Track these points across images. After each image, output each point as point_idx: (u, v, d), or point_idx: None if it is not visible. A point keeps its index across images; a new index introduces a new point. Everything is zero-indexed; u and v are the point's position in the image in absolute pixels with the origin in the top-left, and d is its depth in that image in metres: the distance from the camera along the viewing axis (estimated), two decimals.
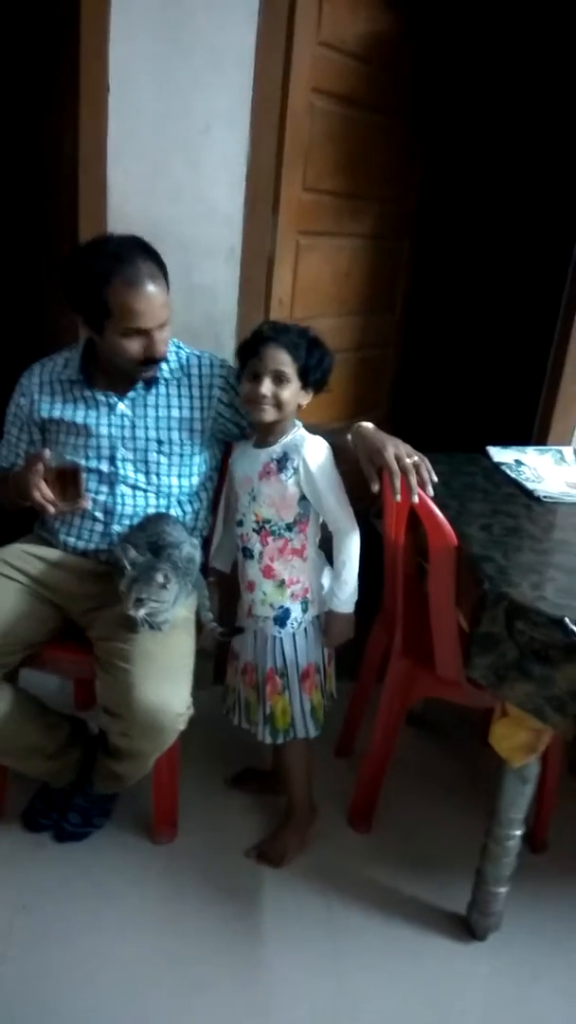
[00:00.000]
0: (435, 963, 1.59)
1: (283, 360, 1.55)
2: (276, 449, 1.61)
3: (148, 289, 1.54)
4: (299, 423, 1.70)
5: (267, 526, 1.64)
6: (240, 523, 1.68)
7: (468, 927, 1.65)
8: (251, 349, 1.58)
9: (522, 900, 1.66)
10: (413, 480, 1.49)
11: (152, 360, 1.63)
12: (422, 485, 1.51)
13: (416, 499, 1.49)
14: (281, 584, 1.66)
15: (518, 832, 1.54)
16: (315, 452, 1.59)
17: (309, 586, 1.67)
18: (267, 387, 1.55)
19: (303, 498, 1.61)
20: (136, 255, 1.55)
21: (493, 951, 1.62)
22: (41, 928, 1.59)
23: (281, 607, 1.66)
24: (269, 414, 1.57)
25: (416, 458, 1.53)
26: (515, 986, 1.57)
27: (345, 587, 1.64)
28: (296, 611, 1.66)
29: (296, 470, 1.59)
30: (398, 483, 1.48)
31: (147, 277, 1.54)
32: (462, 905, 1.67)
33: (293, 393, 1.57)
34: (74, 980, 1.50)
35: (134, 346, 1.59)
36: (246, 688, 1.73)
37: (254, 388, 1.56)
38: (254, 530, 1.65)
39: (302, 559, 1.65)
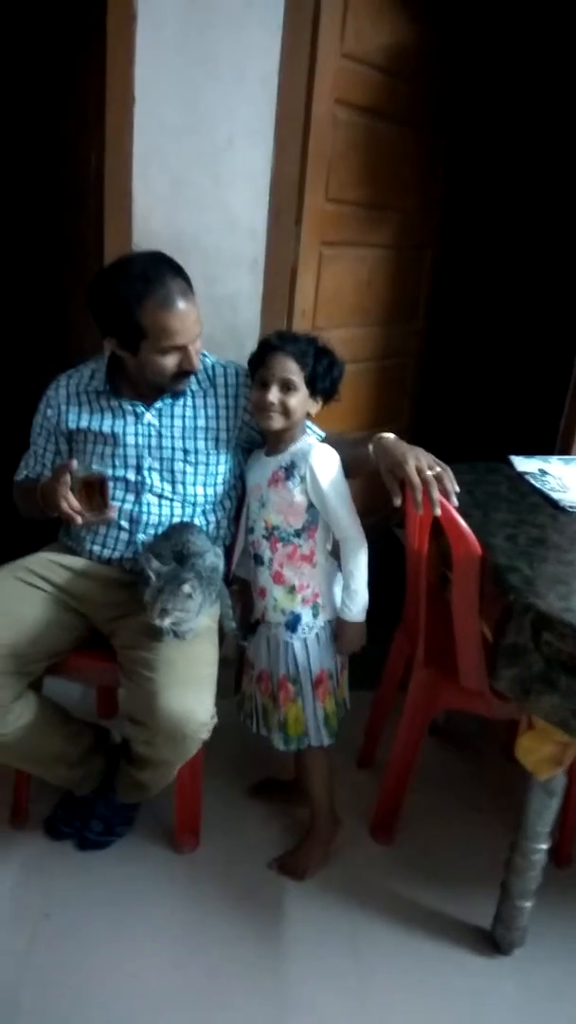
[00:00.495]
0: (460, 978, 1.58)
1: (290, 368, 1.57)
2: (284, 457, 1.63)
3: (181, 307, 1.56)
4: (312, 430, 1.70)
5: (276, 532, 1.65)
6: (251, 530, 1.70)
7: (493, 942, 1.63)
8: (259, 358, 1.61)
9: (547, 915, 1.64)
10: (435, 493, 1.48)
11: (187, 373, 1.65)
12: (445, 495, 1.50)
13: (438, 512, 1.49)
14: (291, 590, 1.66)
15: (544, 846, 1.52)
16: (322, 461, 1.60)
17: (320, 591, 1.67)
18: (274, 395, 1.57)
19: (311, 505, 1.62)
20: (164, 273, 1.56)
21: (518, 966, 1.60)
22: (63, 936, 1.59)
23: (292, 613, 1.67)
24: (276, 422, 1.59)
25: (438, 469, 1.52)
26: (542, 1002, 1.55)
27: (355, 596, 1.64)
28: (307, 616, 1.67)
29: (303, 478, 1.60)
30: (420, 496, 1.47)
31: (179, 295, 1.56)
32: (486, 919, 1.65)
33: (300, 401, 1.59)
34: (95, 989, 1.50)
35: (170, 362, 1.61)
36: (262, 695, 1.74)
37: (261, 396, 1.58)
38: (264, 536, 1.66)
39: (311, 565, 1.66)
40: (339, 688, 1.73)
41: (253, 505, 1.68)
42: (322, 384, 1.61)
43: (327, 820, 1.80)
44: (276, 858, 1.80)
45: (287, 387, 1.57)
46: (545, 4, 3.09)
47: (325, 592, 1.68)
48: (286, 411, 1.58)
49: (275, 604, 1.68)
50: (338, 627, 1.68)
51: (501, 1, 3.14)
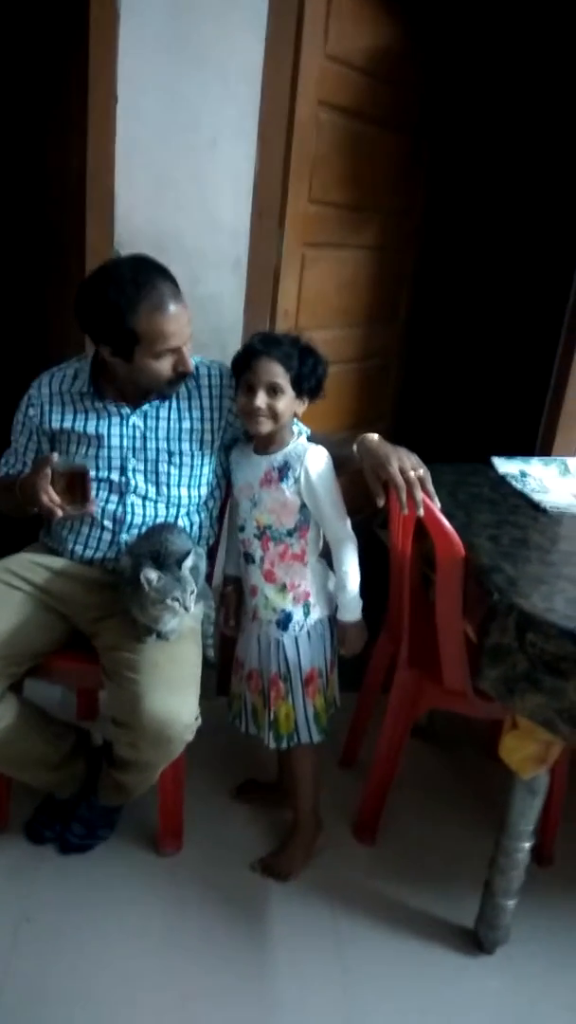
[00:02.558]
0: (443, 977, 1.58)
1: (276, 372, 1.56)
2: (278, 457, 1.63)
3: (174, 309, 1.55)
4: (303, 431, 1.70)
5: (268, 532, 1.65)
6: (242, 528, 1.70)
7: (476, 940, 1.64)
8: (244, 362, 1.60)
9: (529, 913, 1.65)
10: (418, 493, 1.49)
11: (182, 375, 1.64)
12: (429, 496, 1.51)
13: (422, 512, 1.50)
14: (283, 588, 1.67)
15: (527, 844, 1.53)
16: (317, 462, 1.60)
17: (310, 590, 1.68)
18: (261, 399, 1.56)
19: (303, 505, 1.62)
20: (154, 277, 1.54)
21: (501, 965, 1.61)
22: (45, 941, 1.58)
23: (283, 611, 1.67)
24: (265, 426, 1.59)
25: (422, 470, 1.53)
26: (525, 1000, 1.56)
27: (351, 597, 1.65)
28: (298, 614, 1.67)
29: (297, 479, 1.60)
30: (404, 496, 1.48)
31: (170, 298, 1.54)
32: (469, 918, 1.66)
33: (288, 403, 1.58)
34: (78, 993, 1.48)
35: (166, 365, 1.60)
36: (252, 694, 1.73)
37: (249, 401, 1.58)
38: (255, 535, 1.66)
39: (303, 564, 1.66)
40: (329, 686, 1.73)
41: (243, 504, 1.68)
42: (308, 384, 1.60)
43: (311, 821, 1.80)
44: (260, 859, 1.79)
45: (274, 391, 1.56)
46: (526, 6, 3.12)
47: (316, 591, 1.68)
48: (274, 415, 1.58)
49: (266, 602, 1.68)
50: (340, 630, 1.69)
51: (482, 4, 3.16)
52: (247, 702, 1.75)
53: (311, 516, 1.64)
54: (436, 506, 1.53)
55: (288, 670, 1.67)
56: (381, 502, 1.53)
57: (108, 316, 1.54)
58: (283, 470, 1.61)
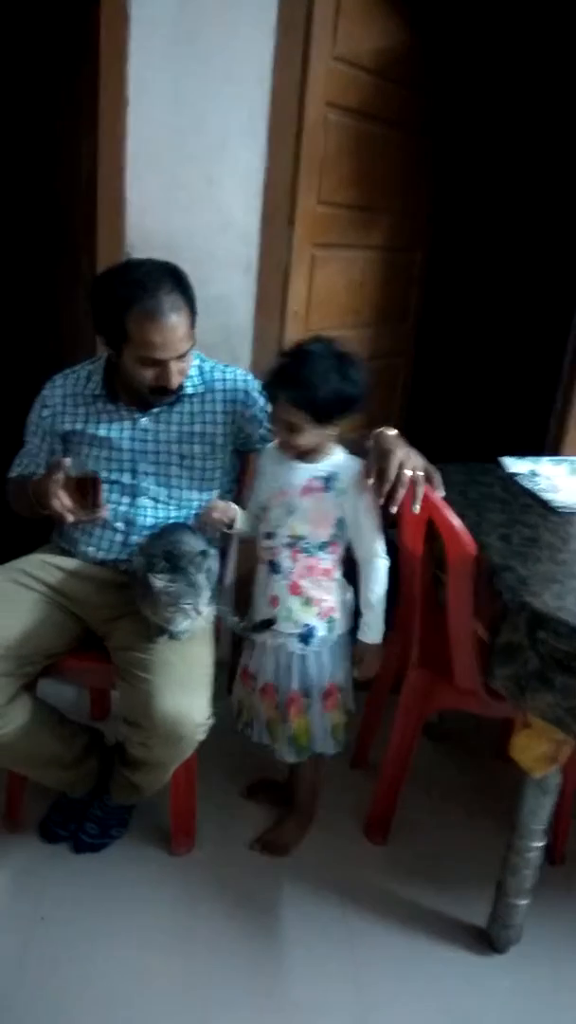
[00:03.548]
0: (456, 977, 1.58)
1: (292, 413, 1.52)
2: (322, 467, 1.60)
3: (167, 321, 1.53)
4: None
5: (300, 543, 1.62)
6: (270, 535, 1.65)
7: (488, 940, 1.64)
8: (267, 394, 1.59)
9: (541, 912, 1.65)
10: (401, 491, 1.50)
11: (163, 390, 1.62)
12: (428, 492, 1.52)
13: (417, 509, 1.51)
14: (307, 602, 1.64)
15: (539, 843, 1.53)
16: (362, 477, 1.58)
17: (335, 606, 1.66)
18: (283, 434, 1.57)
19: (340, 519, 1.61)
20: (162, 285, 1.54)
21: (514, 964, 1.61)
22: (59, 940, 1.59)
23: (306, 625, 1.64)
24: (292, 452, 1.60)
25: (421, 474, 1.53)
26: (537, 999, 1.56)
27: (376, 619, 1.63)
28: (322, 629, 1.65)
29: (343, 491, 1.58)
30: (386, 489, 1.49)
31: (169, 309, 1.53)
32: (481, 917, 1.66)
33: (310, 436, 1.56)
34: (91, 993, 1.49)
35: (147, 373, 1.59)
36: (267, 708, 1.71)
37: (275, 430, 1.60)
38: (286, 544, 1.63)
39: (330, 580, 1.65)
40: (347, 699, 1.73)
41: (275, 511, 1.63)
42: (335, 412, 1.53)
43: (309, 808, 1.84)
44: (257, 839, 1.83)
45: (292, 429, 1.54)
46: (532, 7, 3.12)
47: (339, 606, 1.67)
48: (296, 447, 1.57)
49: (288, 614, 1.65)
50: (358, 650, 1.67)
51: (489, 4, 3.16)
52: (261, 715, 1.73)
53: (345, 532, 1.62)
54: (440, 494, 1.53)
55: (310, 686, 1.66)
56: (370, 482, 1.53)
57: (108, 307, 1.55)
58: (329, 480, 1.59)
